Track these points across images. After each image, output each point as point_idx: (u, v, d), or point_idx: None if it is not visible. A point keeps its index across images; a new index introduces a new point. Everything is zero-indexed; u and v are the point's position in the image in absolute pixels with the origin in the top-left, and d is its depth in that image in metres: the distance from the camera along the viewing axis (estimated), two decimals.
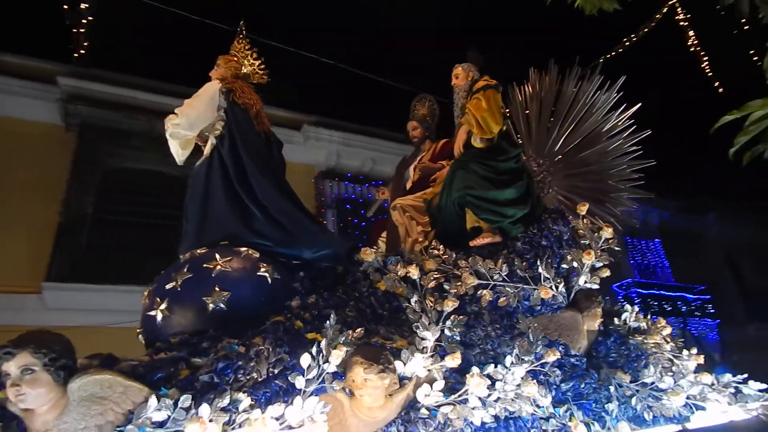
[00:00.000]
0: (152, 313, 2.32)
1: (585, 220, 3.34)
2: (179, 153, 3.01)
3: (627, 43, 7.34)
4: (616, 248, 3.13)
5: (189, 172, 8.24)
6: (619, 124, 3.91)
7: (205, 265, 2.38)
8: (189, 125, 2.89)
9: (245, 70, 3.33)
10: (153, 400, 1.74)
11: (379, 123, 10.41)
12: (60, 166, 7.24)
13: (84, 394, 1.67)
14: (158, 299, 2.33)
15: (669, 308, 12.69)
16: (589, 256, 2.96)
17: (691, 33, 6.71)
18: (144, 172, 7.83)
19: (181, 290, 2.32)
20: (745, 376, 3.23)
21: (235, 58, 3.33)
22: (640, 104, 3.82)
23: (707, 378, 3.02)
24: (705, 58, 6.72)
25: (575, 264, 3.05)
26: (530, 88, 4.60)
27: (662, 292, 13.06)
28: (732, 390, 3.09)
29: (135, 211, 7.45)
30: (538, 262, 2.94)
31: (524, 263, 2.99)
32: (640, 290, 12.80)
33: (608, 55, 7.48)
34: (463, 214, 3.25)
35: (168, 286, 2.35)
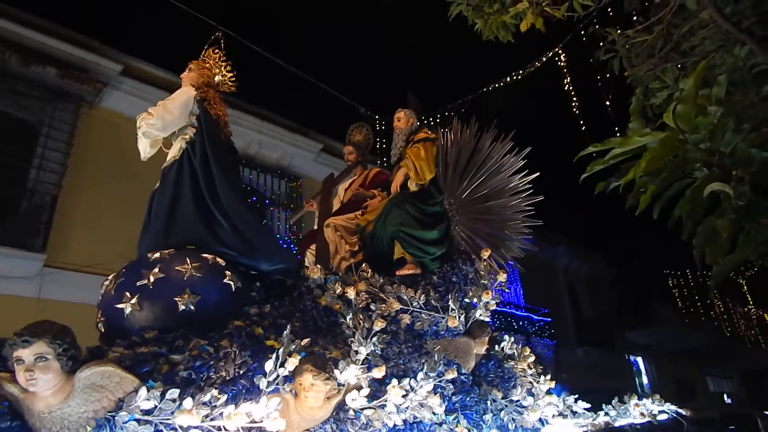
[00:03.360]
0: (121, 306, 2.50)
1: (485, 263, 4.07)
2: (146, 151, 3.14)
3: (509, 79, 8.18)
4: (507, 290, 3.88)
5: (43, 119, 7.40)
6: (520, 186, 4.74)
7: (177, 268, 2.61)
8: (163, 127, 3.05)
9: (216, 79, 3.53)
10: (143, 391, 1.99)
11: (271, 107, 10.22)
12: None
13: (88, 382, 1.89)
14: (128, 294, 2.52)
15: (516, 326, 14.44)
16: (488, 295, 3.66)
17: (567, 79, 7.58)
18: None
19: (153, 288, 2.53)
20: (576, 396, 4.19)
21: (208, 66, 3.51)
22: (538, 173, 4.68)
23: (554, 399, 3.89)
24: (576, 103, 7.57)
25: (475, 299, 3.74)
26: (452, 135, 5.30)
27: (513, 311, 14.71)
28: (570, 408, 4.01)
29: None
30: (449, 295, 3.58)
31: (437, 294, 3.61)
32: (495, 307, 14.40)
33: (489, 87, 8.29)
34: (392, 245, 3.80)
35: (139, 283, 2.54)
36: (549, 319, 15.49)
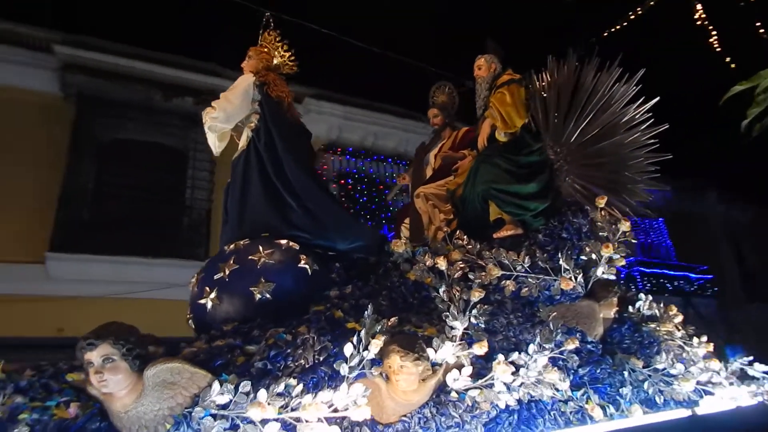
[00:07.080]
0: (202, 301, 2.49)
1: (603, 212, 3.47)
2: (216, 145, 3.14)
3: (632, 16, 7.34)
4: (633, 240, 3.26)
5: (188, 144, 8.32)
6: (637, 117, 3.99)
7: (250, 257, 2.54)
8: (226, 118, 3.00)
9: (276, 62, 3.42)
10: (216, 385, 1.91)
11: (381, 97, 10.41)
12: (60, 136, 7.34)
13: (157, 380, 1.85)
14: (207, 288, 2.50)
15: (671, 287, 12.83)
16: (608, 249, 3.10)
17: (699, 6, 6.64)
18: (141, 143, 7.99)
19: (229, 281, 2.49)
20: (751, 358, 3.42)
21: (266, 50, 3.42)
22: (658, 98, 3.90)
23: (716, 365, 3.20)
24: (713, 34, 6.66)
25: (593, 256, 3.20)
26: (548, 75, 4.66)
27: (665, 271, 13.11)
28: (738, 373, 3.28)
29: (133, 183, 7.61)
30: (559, 254, 3.09)
31: (545, 255, 3.14)
32: (643, 269, 12.84)
33: (611, 30, 7.47)
34: (487, 207, 3.39)
35: (216, 277, 2.51)
36: (710, 276, 13.51)
